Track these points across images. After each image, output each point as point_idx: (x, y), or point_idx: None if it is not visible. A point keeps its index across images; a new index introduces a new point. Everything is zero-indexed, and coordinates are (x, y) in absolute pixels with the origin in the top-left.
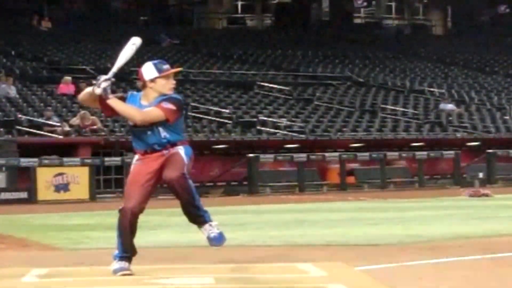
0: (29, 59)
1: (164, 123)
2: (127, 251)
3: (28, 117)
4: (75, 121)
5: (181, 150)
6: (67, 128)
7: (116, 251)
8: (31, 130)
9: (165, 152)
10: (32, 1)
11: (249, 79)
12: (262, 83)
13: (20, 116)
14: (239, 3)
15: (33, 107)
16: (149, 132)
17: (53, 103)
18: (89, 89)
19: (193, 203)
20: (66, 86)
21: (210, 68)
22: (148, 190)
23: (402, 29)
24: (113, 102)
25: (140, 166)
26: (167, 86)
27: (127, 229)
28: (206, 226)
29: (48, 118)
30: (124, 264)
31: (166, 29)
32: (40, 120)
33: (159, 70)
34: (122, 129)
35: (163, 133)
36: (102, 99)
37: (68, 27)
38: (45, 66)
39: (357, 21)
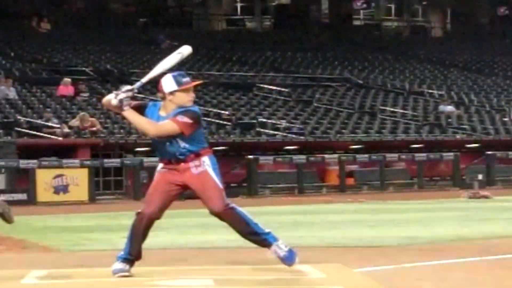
0: (29, 60)
1: (181, 135)
2: (132, 254)
3: (28, 119)
4: (74, 122)
5: (208, 167)
6: (66, 130)
7: (122, 252)
8: (30, 131)
9: (191, 164)
10: (32, 3)
11: (249, 81)
12: (262, 85)
13: (19, 117)
14: (239, 5)
15: (32, 109)
16: (168, 143)
17: (53, 104)
18: (110, 96)
19: (249, 230)
20: (65, 87)
21: (210, 69)
22: (169, 199)
23: (401, 31)
24: (128, 114)
25: (165, 175)
26: (186, 99)
27: (140, 233)
28: (273, 247)
29: (48, 120)
30: (125, 266)
31: (165, 31)
32: (40, 121)
33: (179, 83)
34: (122, 130)
35: (182, 143)
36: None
37: (67, 28)
38: (45, 67)
39: (357, 23)
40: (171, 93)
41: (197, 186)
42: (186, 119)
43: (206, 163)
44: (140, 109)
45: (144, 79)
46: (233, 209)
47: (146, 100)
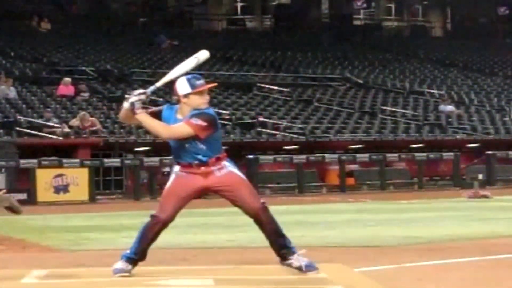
0: (29, 60)
1: (198, 138)
2: (138, 255)
3: (28, 118)
4: (74, 122)
5: (232, 167)
6: (66, 130)
7: (128, 251)
8: (30, 131)
9: (213, 168)
10: (32, 3)
11: (249, 81)
12: (262, 85)
13: (19, 117)
14: (239, 5)
15: (32, 109)
16: (187, 145)
17: (53, 104)
18: (125, 105)
19: (280, 232)
20: (65, 87)
21: (210, 69)
22: (185, 204)
23: (401, 30)
24: (141, 117)
25: (183, 179)
26: (200, 101)
27: (151, 236)
28: (295, 256)
29: (48, 120)
30: (127, 266)
31: (166, 31)
32: (40, 121)
33: (192, 86)
34: (122, 130)
35: (200, 145)
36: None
37: (67, 28)
38: (45, 67)
39: (357, 22)
40: (186, 95)
41: (228, 187)
42: (200, 122)
43: (228, 165)
44: (157, 115)
45: (159, 83)
46: (267, 207)
47: (161, 104)
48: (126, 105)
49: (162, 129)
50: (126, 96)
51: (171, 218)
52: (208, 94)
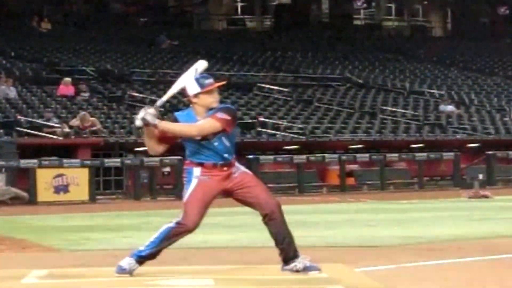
0: (29, 60)
1: (225, 134)
2: (151, 256)
3: (28, 118)
4: (74, 122)
5: (242, 167)
6: (66, 130)
7: (140, 250)
8: (30, 131)
9: (233, 170)
10: (32, 3)
11: (249, 81)
12: (262, 85)
13: (19, 117)
14: (239, 5)
15: (32, 109)
16: (216, 143)
17: (53, 104)
18: (137, 124)
19: (289, 231)
20: (65, 87)
21: (210, 69)
22: (208, 209)
23: (401, 30)
24: (163, 125)
25: (208, 183)
26: (210, 100)
27: (173, 242)
28: (300, 258)
29: (48, 119)
30: (134, 266)
31: (166, 31)
32: (40, 121)
33: (201, 86)
34: (122, 130)
35: (227, 142)
36: (155, 130)
37: (68, 28)
38: (45, 67)
39: (357, 22)
40: (195, 95)
41: (246, 187)
42: (226, 116)
43: (238, 165)
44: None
45: (165, 97)
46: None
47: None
48: (138, 123)
49: (190, 128)
50: (136, 118)
51: (197, 225)
52: (218, 93)
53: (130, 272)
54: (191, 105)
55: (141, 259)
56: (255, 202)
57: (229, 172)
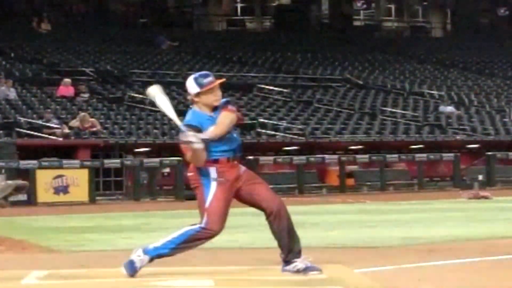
0: (29, 61)
1: (235, 126)
2: (166, 257)
3: (28, 119)
4: (74, 123)
5: (246, 168)
6: (66, 130)
7: (156, 248)
8: (30, 132)
9: (241, 168)
10: (32, 4)
11: (249, 81)
12: (262, 85)
13: (19, 118)
14: (239, 5)
15: (32, 109)
16: (234, 135)
17: (53, 105)
18: (191, 156)
19: (294, 229)
20: (65, 88)
21: (210, 70)
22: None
23: (401, 31)
24: (213, 134)
25: (227, 185)
26: (212, 98)
27: (194, 246)
28: (301, 259)
29: (48, 120)
30: (143, 262)
31: (166, 31)
32: (40, 122)
33: (200, 85)
34: (122, 131)
35: (236, 135)
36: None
37: (67, 29)
38: (45, 68)
39: (357, 23)
40: (196, 95)
41: (252, 183)
42: (234, 107)
43: (240, 165)
44: (199, 130)
45: (175, 119)
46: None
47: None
48: (200, 145)
49: (218, 130)
50: (192, 144)
51: (222, 230)
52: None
53: (136, 272)
54: (193, 104)
55: (157, 258)
56: (261, 199)
57: (238, 169)
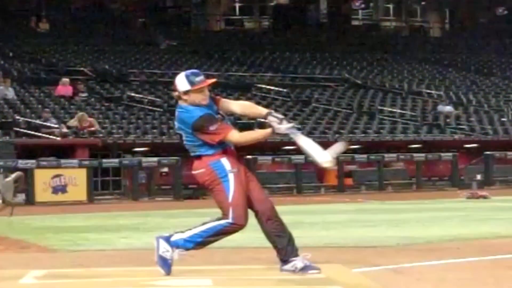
0: (27, 60)
1: None
2: (191, 249)
3: (26, 119)
4: (72, 122)
5: None
6: (64, 130)
7: (185, 239)
8: (29, 131)
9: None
10: (30, 3)
11: (247, 81)
12: (260, 85)
13: (17, 117)
14: (237, 5)
15: (30, 109)
16: (228, 123)
17: (51, 104)
18: (282, 127)
19: (286, 228)
20: (64, 87)
21: (208, 70)
22: None
23: (399, 31)
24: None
25: (241, 175)
26: (200, 98)
27: (220, 239)
28: (299, 258)
29: (46, 120)
30: (172, 254)
31: (164, 31)
32: (38, 121)
33: (191, 83)
34: (120, 130)
35: (229, 122)
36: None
37: (66, 29)
38: (43, 67)
39: (355, 23)
40: (185, 93)
41: (251, 183)
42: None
43: None
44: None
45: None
46: None
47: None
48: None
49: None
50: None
51: (247, 222)
52: (209, 90)
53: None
54: (178, 100)
55: (187, 250)
56: (254, 199)
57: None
